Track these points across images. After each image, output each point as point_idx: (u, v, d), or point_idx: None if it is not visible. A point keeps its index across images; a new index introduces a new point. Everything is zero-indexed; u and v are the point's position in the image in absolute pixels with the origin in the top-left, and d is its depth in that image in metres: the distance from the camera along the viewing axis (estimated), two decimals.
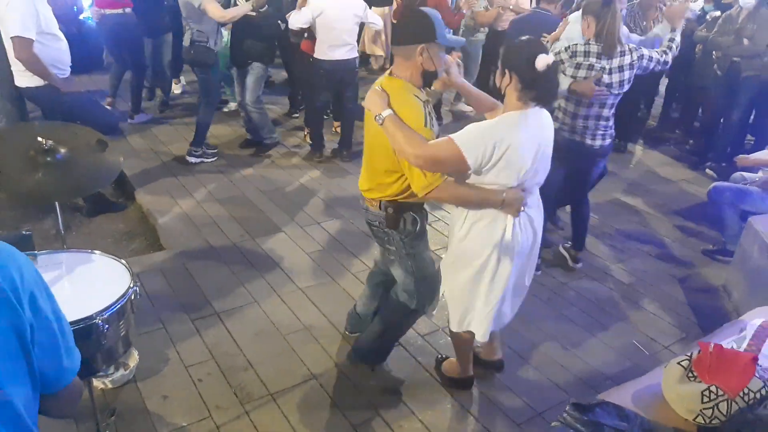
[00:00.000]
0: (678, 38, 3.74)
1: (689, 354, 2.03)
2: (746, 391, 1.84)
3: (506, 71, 2.30)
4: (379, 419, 2.76)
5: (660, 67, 3.69)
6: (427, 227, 2.74)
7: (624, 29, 4.00)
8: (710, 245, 4.43)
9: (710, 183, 4.56)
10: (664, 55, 3.65)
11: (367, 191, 2.64)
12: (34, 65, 3.89)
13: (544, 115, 2.41)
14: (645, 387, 2.09)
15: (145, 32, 6.16)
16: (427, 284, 2.76)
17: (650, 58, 3.59)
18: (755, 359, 1.93)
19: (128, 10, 6.00)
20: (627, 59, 3.51)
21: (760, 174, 4.30)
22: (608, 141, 3.72)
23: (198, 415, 2.71)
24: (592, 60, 3.49)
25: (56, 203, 2.20)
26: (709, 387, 1.88)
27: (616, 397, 2.02)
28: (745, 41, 5.33)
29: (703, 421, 1.85)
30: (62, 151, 1.88)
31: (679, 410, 1.92)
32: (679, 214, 5.04)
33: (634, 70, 3.56)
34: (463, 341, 2.83)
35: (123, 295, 2.04)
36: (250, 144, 5.78)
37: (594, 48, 3.49)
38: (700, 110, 6.74)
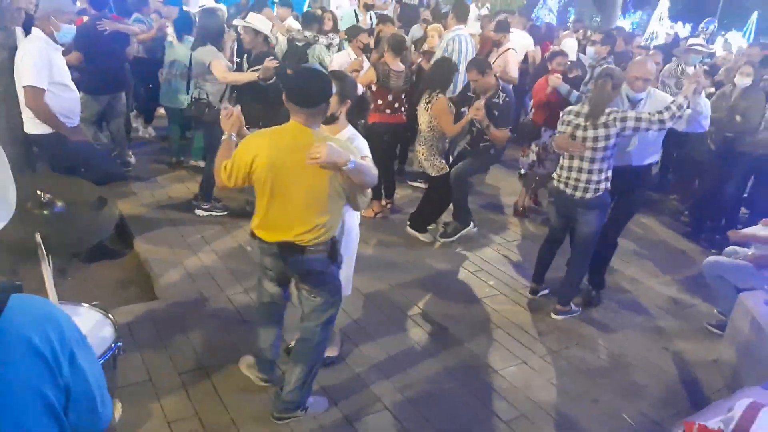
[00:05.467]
0: (681, 101, 3.83)
1: None
2: None
3: (346, 100, 3.06)
4: None
5: (657, 127, 3.80)
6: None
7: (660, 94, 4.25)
8: (711, 320, 4.42)
9: (704, 254, 4.58)
10: (658, 115, 3.77)
11: (306, 234, 2.74)
12: (44, 114, 4.01)
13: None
14: None
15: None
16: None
17: (638, 119, 3.77)
18: None
19: None
20: (602, 119, 3.79)
21: (752, 249, 4.33)
22: (590, 194, 3.99)
23: None
24: (571, 117, 3.98)
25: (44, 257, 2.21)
26: None
27: None
28: (738, 118, 5.47)
29: None
30: (59, 204, 1.92)
31: None
32: (673, 285, 5.05)
33: (611, 130, 3.78)
34: None
35: (103, 354, 2.03)
36: None
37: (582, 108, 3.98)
38: (696, 181, 6.83)
